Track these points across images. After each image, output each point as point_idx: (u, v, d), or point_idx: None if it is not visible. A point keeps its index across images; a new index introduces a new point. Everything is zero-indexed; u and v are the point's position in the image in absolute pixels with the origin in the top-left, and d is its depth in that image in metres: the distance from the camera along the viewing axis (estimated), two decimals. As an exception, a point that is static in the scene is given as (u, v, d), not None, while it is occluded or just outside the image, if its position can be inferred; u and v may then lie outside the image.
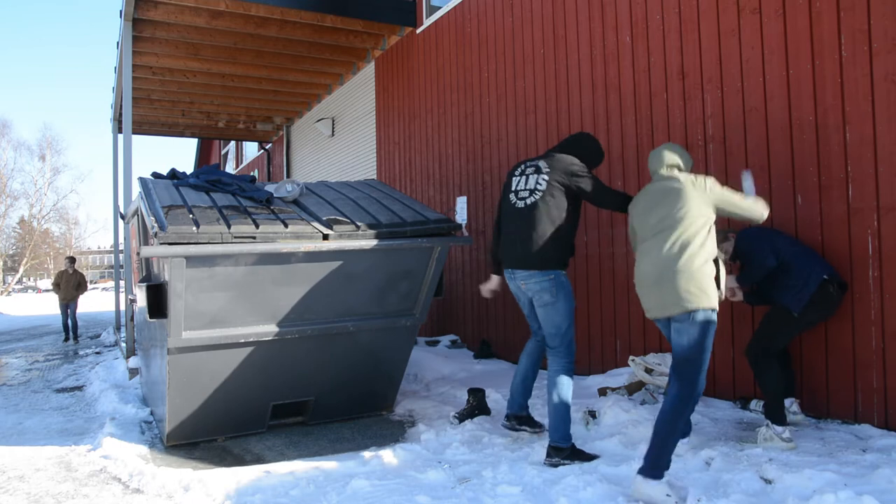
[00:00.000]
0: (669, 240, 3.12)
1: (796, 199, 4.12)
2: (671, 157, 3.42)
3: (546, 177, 3.73)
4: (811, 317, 3.76)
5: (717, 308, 3.07)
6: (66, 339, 12.26)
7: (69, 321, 12.28)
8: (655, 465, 2.93)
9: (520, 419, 4.04)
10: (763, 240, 3.87)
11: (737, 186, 4.45)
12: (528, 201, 3.76)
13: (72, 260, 12.68)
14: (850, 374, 3.86)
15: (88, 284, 14.57)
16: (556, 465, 3.49)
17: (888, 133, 3.67)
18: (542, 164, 3.79)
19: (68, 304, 12.39)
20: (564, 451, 3.55)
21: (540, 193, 3.71)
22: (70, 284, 12.32)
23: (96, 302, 25.66)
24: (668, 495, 2.84)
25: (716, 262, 3.14)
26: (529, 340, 4.11)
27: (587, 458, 3.56)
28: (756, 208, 3.32)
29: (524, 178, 3.85)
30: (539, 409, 4.46)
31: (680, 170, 3.40)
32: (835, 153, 3.92)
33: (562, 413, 3.60)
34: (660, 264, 3.12)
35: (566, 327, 3.71)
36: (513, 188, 3.89)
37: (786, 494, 2.85)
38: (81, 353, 9.91)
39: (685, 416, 3.06)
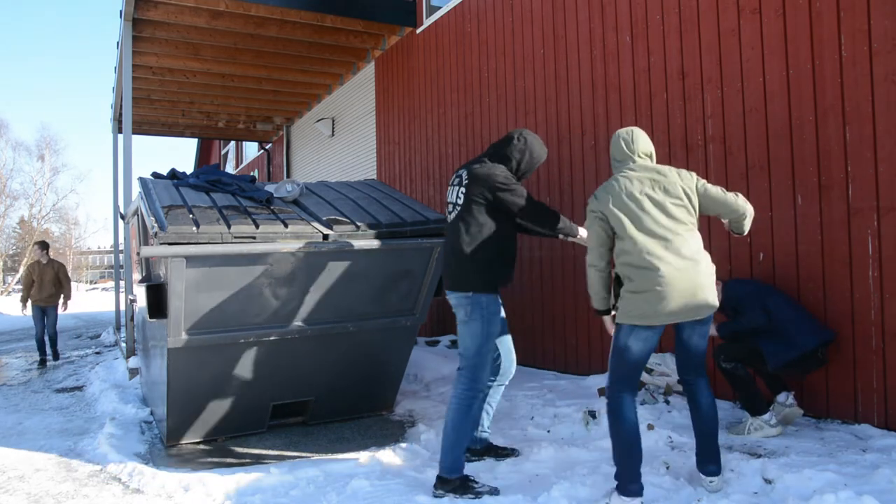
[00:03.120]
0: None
1: (796, 199, 4.12)
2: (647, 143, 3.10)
3: (464, 189, 3.34)
4: (784, 370, 3.75)
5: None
6: (43, 362, 8.62)
7: (45, 334, 8.69)
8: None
9: (474, 451, 3.68)
10: (755, 297, 3.76)
11: (738, 187, 4.47)
12: (451, 217, 3.43)
13: (44, 246, 8.86)
14: (850, 374, 3.86)
15: (72, 283, 9.58)
16: (440, 498, 3.13)
17: (888, 133, 3.67)
18: (464, 174, 3.41)
19: (45, 309, 8.69)
20: (450, 484, 3.16)
21: (459, 209, 3.37)
22: (46, 279, 8.64)
23: (96, 302, 25.66)
24: None
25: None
26: None
27: (475, 494, 3.11)
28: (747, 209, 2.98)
29: (451, 189, 3.48)
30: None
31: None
32: (835, 153, 3.92)
33: (450, 441, 3.22)
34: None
35: (474, 351, 3.30)
36: (448, 199, 3.54)
37: (786, 494, 2.86)
38: (81, 353, 9.90)
39: None
